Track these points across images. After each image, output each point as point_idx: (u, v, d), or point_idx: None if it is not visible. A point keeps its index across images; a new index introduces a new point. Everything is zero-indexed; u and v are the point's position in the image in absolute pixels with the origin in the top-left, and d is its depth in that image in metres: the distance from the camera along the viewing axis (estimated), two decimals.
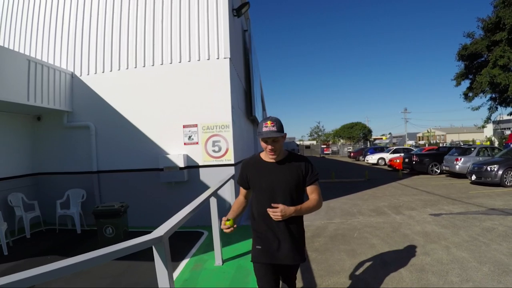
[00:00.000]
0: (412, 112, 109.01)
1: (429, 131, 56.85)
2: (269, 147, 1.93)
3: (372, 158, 21.36)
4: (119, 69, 6.52)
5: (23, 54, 6.00)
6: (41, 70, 6.01)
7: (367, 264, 4.00)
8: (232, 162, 6.08)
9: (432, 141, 50.10)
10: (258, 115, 10.71)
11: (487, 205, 7.20)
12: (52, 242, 5.61)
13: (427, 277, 3.52)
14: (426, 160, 14.08)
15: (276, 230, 1.97)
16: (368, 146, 31.34)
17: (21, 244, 5.48)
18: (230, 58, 6.19)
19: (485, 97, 17.05)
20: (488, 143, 18.90)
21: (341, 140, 51.47)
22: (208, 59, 6.16)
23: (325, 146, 45.25)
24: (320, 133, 54.39)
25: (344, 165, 23.33)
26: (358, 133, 48.02)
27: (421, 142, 51.52)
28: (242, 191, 2.23)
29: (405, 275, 3.60)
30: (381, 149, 23.30)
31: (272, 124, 1.89)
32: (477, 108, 17.81)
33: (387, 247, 4.61)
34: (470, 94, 17.19)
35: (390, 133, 62.63)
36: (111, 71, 6.57)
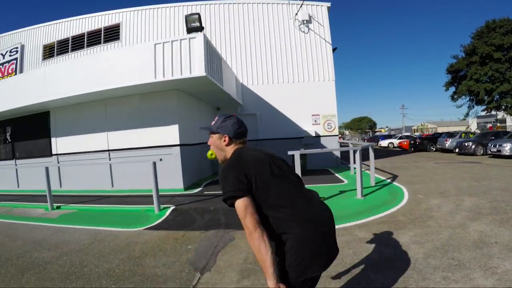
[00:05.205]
0: (408, 108, 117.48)
1: (422, 124, 64.16)
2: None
3: (384, 143, 28.00)
4: (272, 83, 12.17)
5: (234, 74, 11.57)
6: (236, 82, 11.57)
7: (399, 165, 9.93)
8: (337, 134, 11.91)
9: (425, 133, 57.75)
10: None
11: (460, 160, 13.26)
12: None
13: (420, 172, 9.45)
14: (425, 141, 20.21)
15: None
16: (370, 136, 38.02)
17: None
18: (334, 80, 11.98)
19: (465, 99, 23.55)
20: (472, 135, 25.51)
21: (346, 132, 58.52)
22: (324, 80, 11.90)
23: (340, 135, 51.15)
24: None
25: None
26: (365, 126, 55.24)
27: (416, 134, 58.88)
28: None
29: (403, 172, 9.52)
30: (390, 136, 30.38)
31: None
32: (460, 106, 24.37)
33: (408, 168, 10.57)
34: (455, 97, 23.55)
35: (387, 126, 70.02)
36: (267, 84, 12.21)
